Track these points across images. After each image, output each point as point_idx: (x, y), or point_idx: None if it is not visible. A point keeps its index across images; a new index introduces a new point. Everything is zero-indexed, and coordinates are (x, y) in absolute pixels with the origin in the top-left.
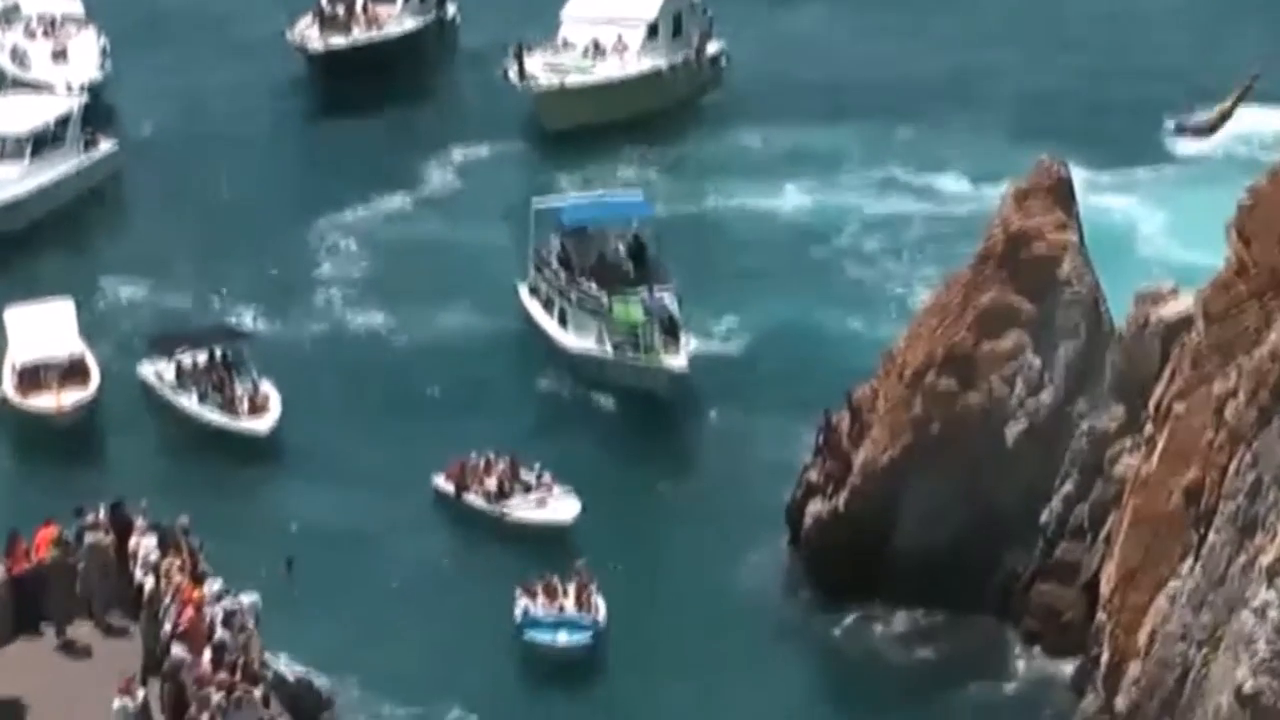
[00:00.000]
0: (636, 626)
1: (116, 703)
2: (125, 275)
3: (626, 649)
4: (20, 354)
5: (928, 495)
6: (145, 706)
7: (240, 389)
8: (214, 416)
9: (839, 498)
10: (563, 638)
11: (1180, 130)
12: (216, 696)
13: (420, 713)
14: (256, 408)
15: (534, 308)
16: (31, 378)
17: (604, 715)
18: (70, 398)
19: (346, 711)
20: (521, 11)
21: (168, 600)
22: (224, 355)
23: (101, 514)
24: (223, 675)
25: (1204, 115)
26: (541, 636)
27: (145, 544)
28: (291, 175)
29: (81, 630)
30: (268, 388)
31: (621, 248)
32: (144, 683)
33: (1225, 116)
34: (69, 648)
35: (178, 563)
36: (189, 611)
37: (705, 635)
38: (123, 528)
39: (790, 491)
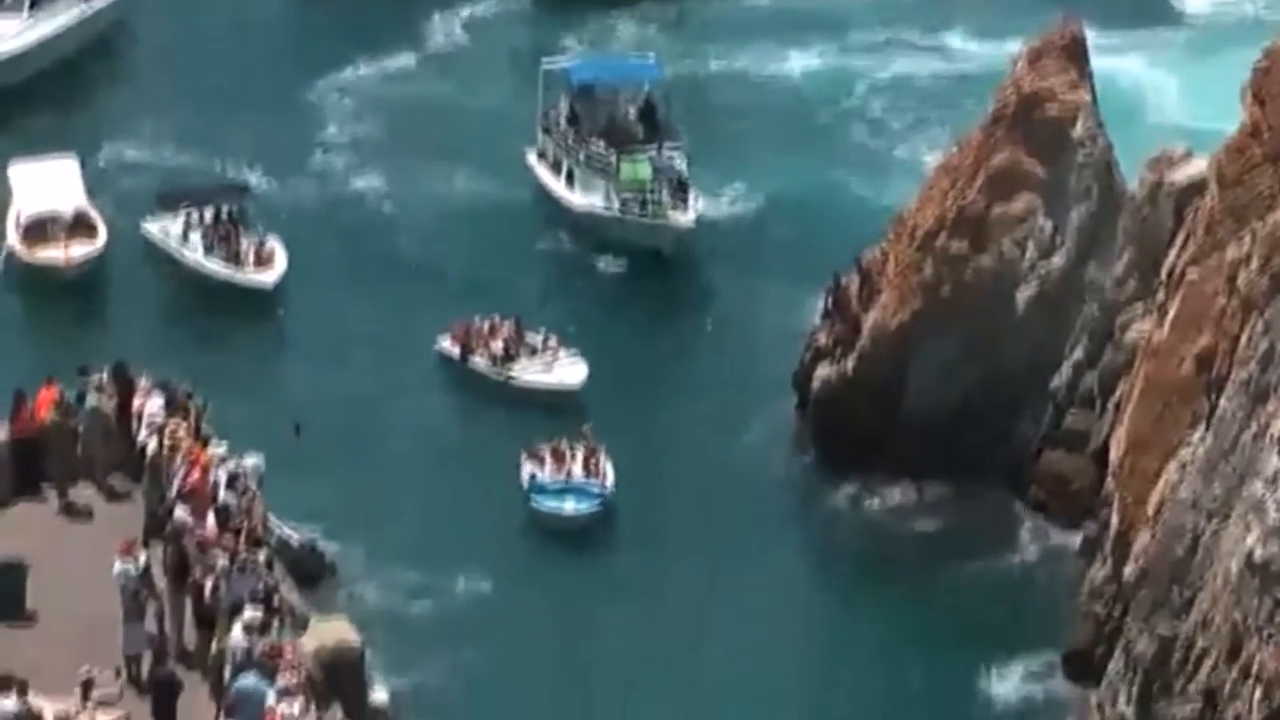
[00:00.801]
0: (643, 492)
1: (118, 565)
2: (129, 130)
3: (634, 515)
4: (26, 207)
5: (937, 360)
6: (147, 570)
7: (245, 243)
8: (219, 269)
9: (847, 362)
10: (570, 505)
11: None
12: (220, 560)
13: (427, 579)
14: (262, 261)
15: (541, 171)
16: (38, 231)
17: (611, 582)
18: (78, 250)
19: (351, 577)
20: None
21: (176, 462)
22: (229, 211)
23: (104, 375)
24: (226, 539)
25: None
26: (549, 503)
27: (151, 405)
28: (295, 31)
29: (82, 493)
30: (273, 242)
31: (631, 110)
32: (145, 546)
33: None
34: (70, 510)
35: (184, 424)
36: (195, 474)
37: (712, 501)
38: (125, 389)
39: (798, 355)
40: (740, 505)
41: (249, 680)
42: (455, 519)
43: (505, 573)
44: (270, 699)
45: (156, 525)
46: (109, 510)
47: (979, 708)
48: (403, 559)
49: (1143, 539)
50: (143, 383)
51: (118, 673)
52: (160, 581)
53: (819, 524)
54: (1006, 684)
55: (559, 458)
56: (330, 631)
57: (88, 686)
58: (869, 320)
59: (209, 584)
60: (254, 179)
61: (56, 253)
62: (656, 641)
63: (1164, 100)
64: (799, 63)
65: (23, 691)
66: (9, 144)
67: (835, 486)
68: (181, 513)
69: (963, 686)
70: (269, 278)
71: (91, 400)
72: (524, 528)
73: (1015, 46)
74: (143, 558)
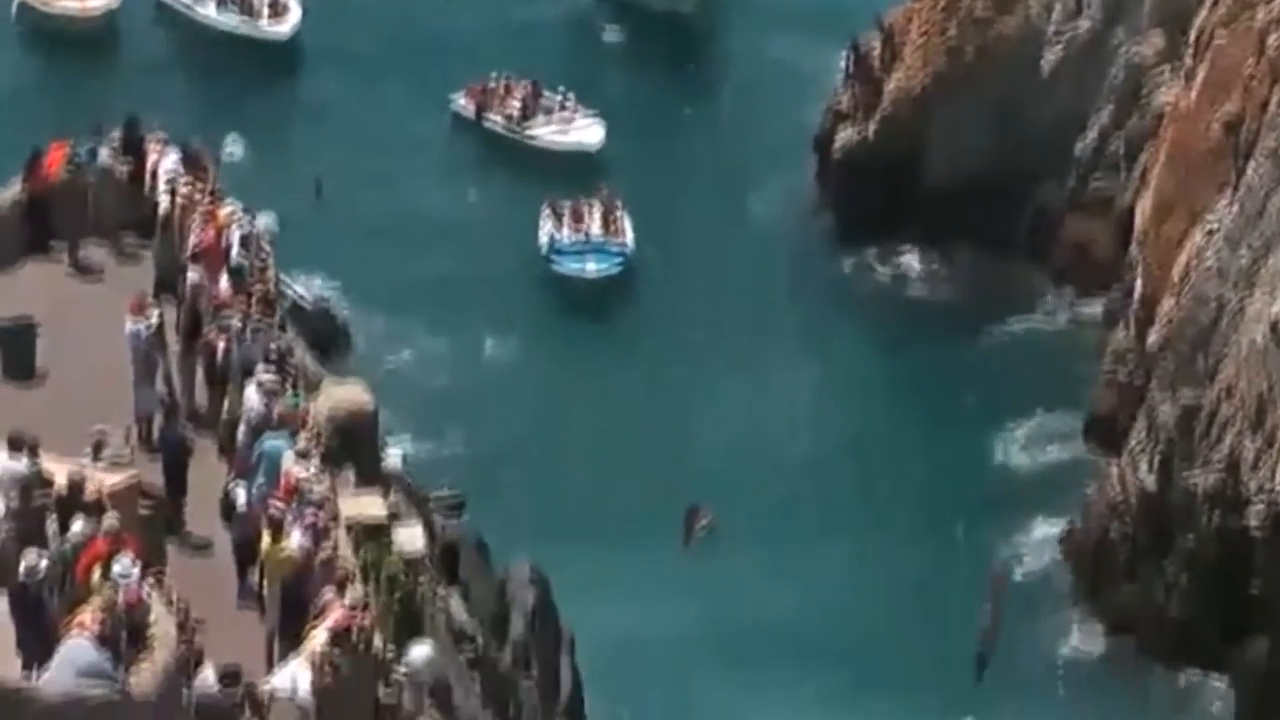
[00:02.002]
0: (663, 252)
1: (129, 325)
2: None
3: (653, 275)
4: None
5: (959, 124)
6: (159, 329)
7: None
8: (234, 22)
9: (868, 126)
10: (591, 266)
11: None
12: (232, 322)
13: (443, 342)
14: (276, 12)
15: None
16: None
17: (632, 342)
18: (95, 1)
19: (366, 340)
20: None
21: (190, 220)
22: None
23: (117, 133)
24: (239, 300)
25: None
26: (569, 264)
27: (165, 162)
28: None
29: (93, 251)
30: None
31: None
32: (157, 305)
33: None
34: (80, 268)
35: (198, 182)
36: (209, 233)
37: (731, 263)
38: (138, 146)
39: (818, 119)
40: (759, 267)
41: (268, 441)
42: (473, 280)
43: (524, 334)
44: (287, 460)
45: (168, 284)
46: (120, 269)
47: (999, 474)
48: (418, 322)
49: (1167, 306)
50: (157, 139)
51: (128, 434)
52: (172, 340)
53: (838, 288)
54: (1027, 451)
55: (578, 217)
56: (344, 393)
57: (98, 447)
58: (890, 84)
59: (221, 345)
60: None
61: (73, 3)
62: (675, 402)
63: None
64: None
65: (33, 452)
66: None
67: (854, 251)
68: (195, 272)
69: (983, 453)
70: (284, 29)
71: (104, 157)
72: (543, 289)
73: None
74: (154, 317)
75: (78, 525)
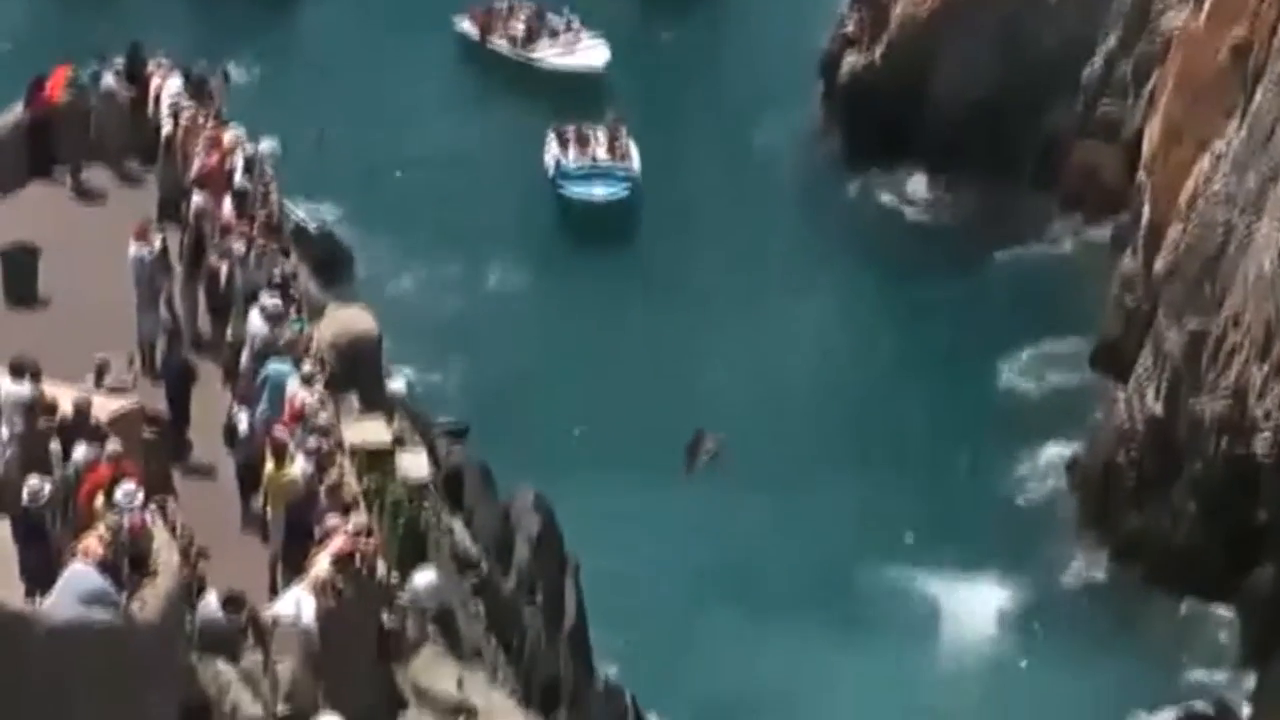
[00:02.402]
0: (669, 177)
1: (133, 250)
2: None
3: (660, 201)
4: None
5: (966, 49)
6: (163, 253)
7: None
8: None
9: (875, 50)
10: (599, 191)
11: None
12: (237, 246)
13: (448, 268)
14: None
15: None
16: None
17: (638, 267)
18: None
19: (370, 265)
20: None
21: (194, 144)
22: None
23: (120, 59)
24: (242, 225)
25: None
26: (577, 190)
27: (169, 86)
28: None
29: (95, 175)
30: None
31: None
32: (159, 229)
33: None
34: (82, 193)
35: (202, 107)
36: (214, 157)
37: (738, 187)
38: (141, 71)
39: (826, 44)
40: (765, 193)
41: (273, 366)
42: (478, 205)
43: (530, 259)
44: (292, 386)
45: (171, 209)
46: (122, 193)
47: (1006, 401)
48: (423, 247)
49: (1174, 232)
50: (160, 63)
51: (131, 359)
52: (176, 265)
53: (844, 213)
54: (1034, 377)
55: (583, 142)
56: (348, 319)
57: (101, 373)
58: (897, 9)
59: (224, 270)
60: None
61: None
62: (680, 328)
63: None
64: None
65: (35, 377)
66: None
67: (861, 176)
68: (200, 197)
69: (989, 379)
70: None
71: (107, 81)
72: (550, 214)
73: None
74: (157, 242)
75: (80, 451)
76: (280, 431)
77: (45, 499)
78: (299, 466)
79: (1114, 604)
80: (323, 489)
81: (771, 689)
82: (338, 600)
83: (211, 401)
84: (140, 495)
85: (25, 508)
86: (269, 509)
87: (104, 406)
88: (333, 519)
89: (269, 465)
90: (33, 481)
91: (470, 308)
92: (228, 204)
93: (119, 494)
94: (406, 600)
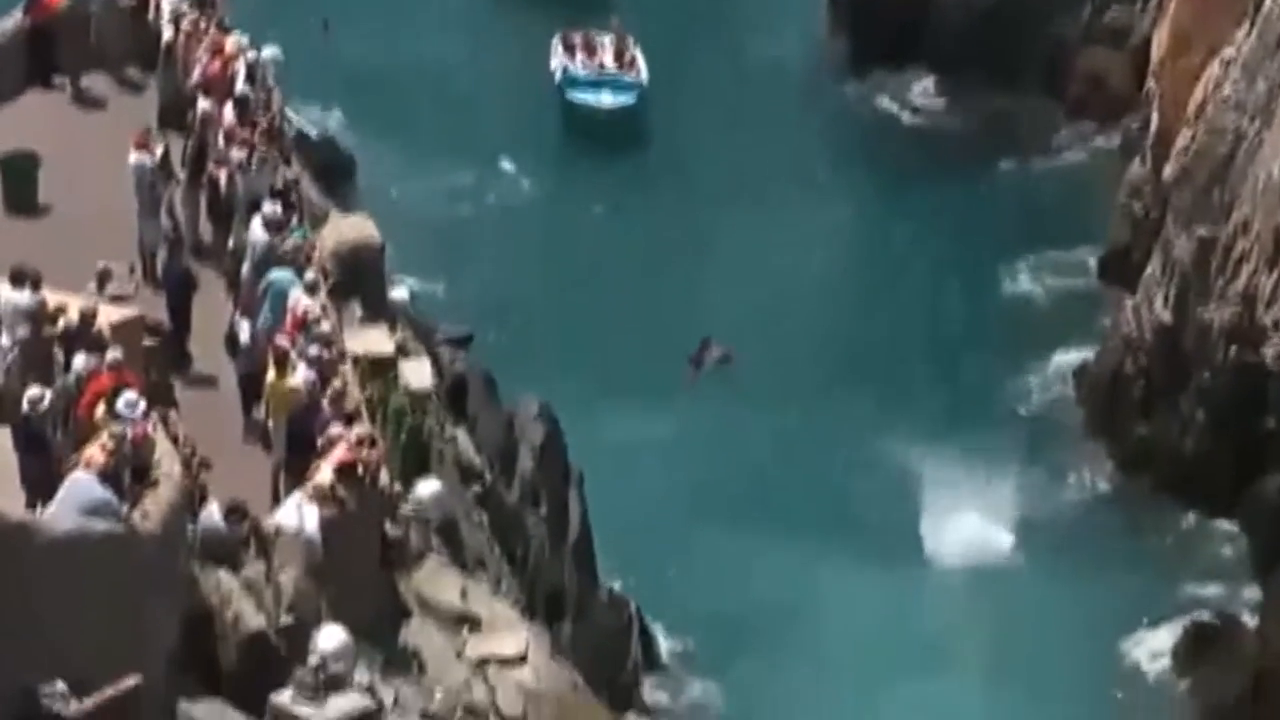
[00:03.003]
0: (676, 85)
1: (134, 158)
2: None
3: (667, 108)
4: None
5: None
6: (165, 161)
7: None
8: None
9: None
10: (607, 98)
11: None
12: (238, 154)
13: (452, 176)
14: None
15: None
16: None
17: (646, 176)
18: None
19: (373, 173)
20: None
21: (196, 51)
22: None
23: None
24: (244, 132)
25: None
26: (585, 96)
27: None
28: None
29: (96, 82)
30: None
31: None
32: (162, 137)
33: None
34: (82, 99)
35: (203, 13)
36: (216, 63)
37: (745, 94)
38: None
39: None
40: (772, 101)
41: (275, 275)
42: (483, 112)
43: (536, 167)
44: (294, 294)
45: (172, 116)
46: (122, 100)
47: (1011, 307)
48: (427, 155)
49: (1183, 138)
50: None
51: (132, 268)
52: (179, 172)
53: (850, 119)
54: (1041, 285)
55: (590, 50)
56: (350, 227)
57: (103, 281)
58: None
59: (223, 177)
60: None
61: None
62: (687, 236)
63: None
64: None
65: (36, 286)
66: None
67: (867, 82)
68: (205, 103)
69: (996, 287)
70: None
71: None
72: (556, 121)
73: None
74: (159, 150)
75: (81, 360)
76: (282, 340)
77: (45, 407)
78: (300, 375)
79: (1120, 514)
80: (325, 398)
81: (775, 599)
82: (340, 510)
83: (213, 309)
84: (142, 404)
85: (26, 416)
86: (271, 418)
87: (105, 315)
88: (335, 428)
89: (271, 374)
90: (33, 390)
91: (474, 215)
92: (229, 111)
93: (120, 403)
94: (410, 510)
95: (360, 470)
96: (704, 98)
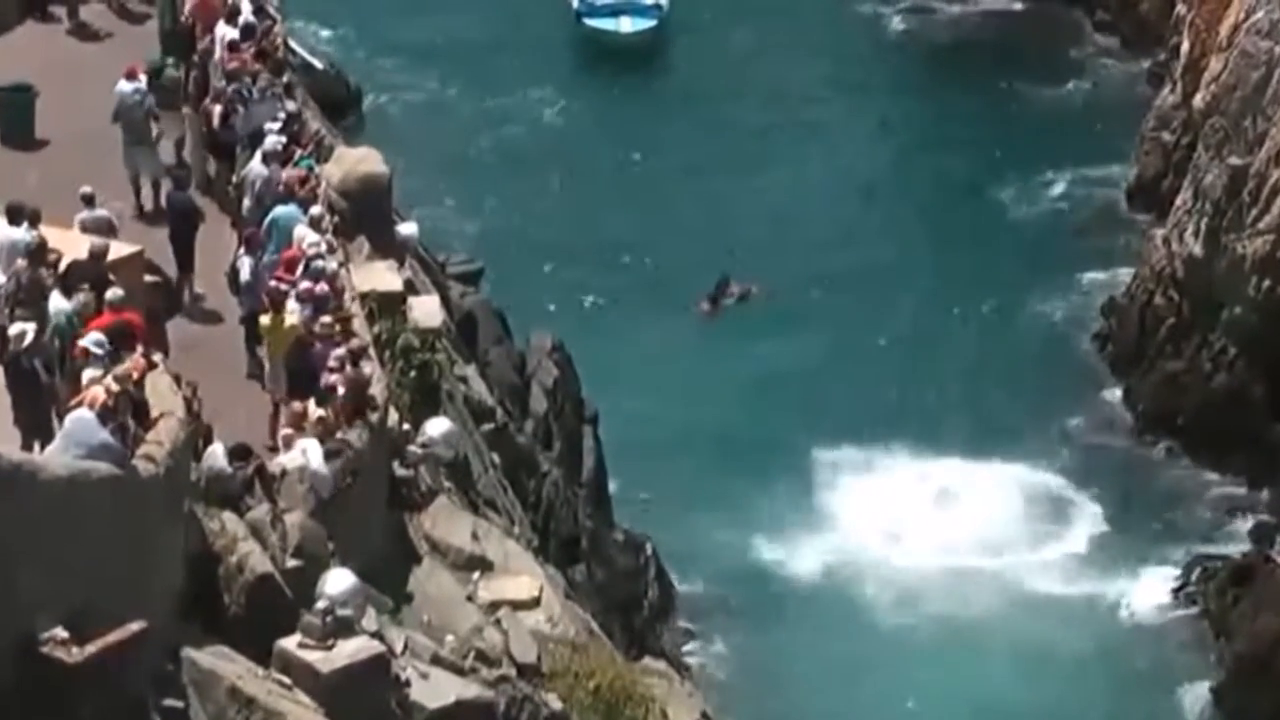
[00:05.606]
0: (695, 11)
1: (127, 88)
2: None
3: (688, 33)
4: None
5: None
6: (162, 91)
7: None
8: None
9: None
10: (626, 24)
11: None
12: (241, 85)
13: (465, 104)
14: None
15: None
16: None
17: (665, 103)
18: None
19: (380, 104)
20: None
21: None
22: None
23: None
24: (247, 64)
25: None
26: (603, 21)
27: None
28: None
29: (94, 11)
30: None
31: None
32: (161, 69)
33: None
34: (81, 31)
35: None
36: None
37: (765, 20)
38: None
39: None
40: (797, 19)
41: (280, 210)
42: (498, 40)
43: (553, 95)
44: (300, 229)
45: (173, 46)
46: (122, 31)
47: (1037, 229)
48: (439, 83)
49: (1214, 66)
50: None
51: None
52: (183, 107)
53: (877, 38)
54: (1070, 212)
55: None
56: (356, 160)
57: (89, 204)
58: None
59: (217, 111)
60: None
61: None
62: (706, 164)
63: None
64: None
65: (34, 221)
66: None
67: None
68: (207, 34)
69: (1023, 211)
70: None
71: None
72: (574, 48)
73: None
74: (143, 79)
75: (80, 298)
76: (276, 279)
77: (28, 342)
78: (297, 313)
79: (1149, 448)
80: (325, 334)
81: (793, 538)
82: (346, 449)
83: (215, 242)
84: (140, 345)
85: (14, 353)
86: (268, 358)
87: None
88: (333, 366)
89: (267, 314)
90: (15, 327)
91: (489, 145)
92: (232, 40)
93: (89, 342)
94: (419, 450)
95: (367, 409)
96: (725, 19)
